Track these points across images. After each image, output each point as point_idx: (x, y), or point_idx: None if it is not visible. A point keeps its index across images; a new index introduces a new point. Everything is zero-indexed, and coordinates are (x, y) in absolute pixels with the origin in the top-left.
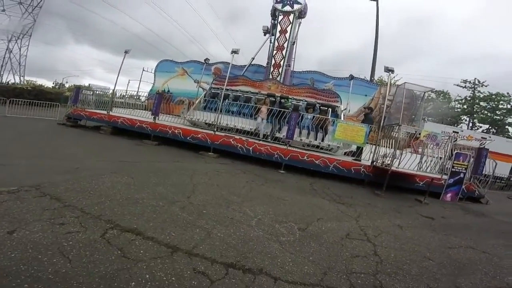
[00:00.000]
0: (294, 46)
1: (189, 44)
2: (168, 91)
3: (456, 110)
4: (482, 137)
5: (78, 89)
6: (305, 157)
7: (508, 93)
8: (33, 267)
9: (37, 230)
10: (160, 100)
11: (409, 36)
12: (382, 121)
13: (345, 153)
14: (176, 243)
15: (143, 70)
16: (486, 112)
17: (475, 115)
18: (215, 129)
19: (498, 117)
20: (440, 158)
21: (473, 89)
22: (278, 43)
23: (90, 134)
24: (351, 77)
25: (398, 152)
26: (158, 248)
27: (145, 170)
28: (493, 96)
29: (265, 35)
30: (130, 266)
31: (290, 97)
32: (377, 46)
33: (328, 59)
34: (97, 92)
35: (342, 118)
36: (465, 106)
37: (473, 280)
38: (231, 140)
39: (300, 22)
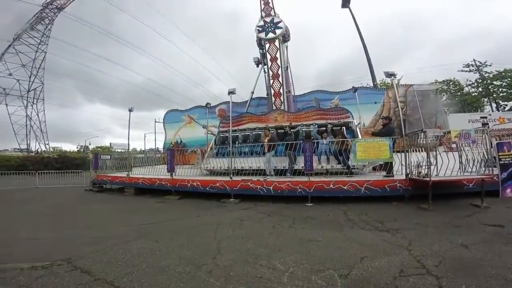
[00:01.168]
0: (289, 70)
1: (193, 89)
2: (181, 141)
3: (473, 94)
4: None
5: (96, 155)
6: (331, 185)
7: None
8: None
9: None
10: (173, 156)
11: (395, 32)
12: (403, 129)
13: (374, 169)
14: None
15: (155, 121)
16: (503, 89)
17: (494, 95)
18: (231, 175)
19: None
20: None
21: (478, 71)
22: (272, 72)
23: (115, 198)
24: (355, 89)
25: (432, 158)
26: None
27: (169, 231)
28: (503, 73)
29: (257, 66)
30: None
31: (296, 124)
32: (367, 52)
33: (326, 72)
34: (115, 156)
35: (358, 133)
36: (480, 89)
37: None
38: (249, 183)
39: (287, 46)
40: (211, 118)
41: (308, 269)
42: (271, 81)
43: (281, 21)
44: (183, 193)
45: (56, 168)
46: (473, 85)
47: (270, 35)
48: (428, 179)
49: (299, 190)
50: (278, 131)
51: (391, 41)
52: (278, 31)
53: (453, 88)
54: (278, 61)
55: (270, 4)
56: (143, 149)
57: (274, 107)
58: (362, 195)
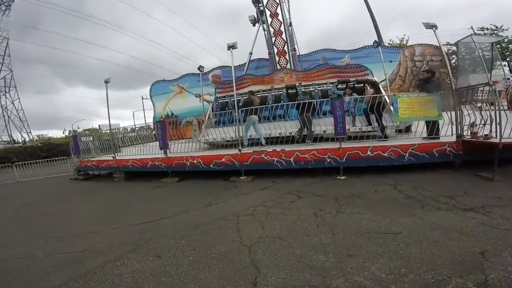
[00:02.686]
0: (292, 27)
1: (180, 63)
2: (172, 114)
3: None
4: None
5: (75, 137)
6: (368, 152)
7: None
8: None
9: None
10: (165, 128)
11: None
12: (454, 84)
13: (399, 131)
14: None
15: (142, 98)
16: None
17: (507, 59)
18: (239, 147)
19: None
20: None
21: (495, 34)
22: (273, 28)
23: (103, 186)
24: (377, 44)
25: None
26: None
27: (174, 234)
28: None
29: (254, 25)
30: None
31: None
32: (372, 13)
33: (325, 35)
34: (101, 137)
35: (383, 92)
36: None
37: None
38: (262, 155)
39: (288, 0)
40: (205, 85)
41: (420, 282)
42: (273, 39)
43: None
44: (182, 174)
45: (42, 157)
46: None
47: None
48: (498, 140)
49: (328, 160)
50: (289, 91)
51: (385, 7)
52: None
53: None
54: (280, 17)
55: None
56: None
57: (279, 67)
58: (406, 163)
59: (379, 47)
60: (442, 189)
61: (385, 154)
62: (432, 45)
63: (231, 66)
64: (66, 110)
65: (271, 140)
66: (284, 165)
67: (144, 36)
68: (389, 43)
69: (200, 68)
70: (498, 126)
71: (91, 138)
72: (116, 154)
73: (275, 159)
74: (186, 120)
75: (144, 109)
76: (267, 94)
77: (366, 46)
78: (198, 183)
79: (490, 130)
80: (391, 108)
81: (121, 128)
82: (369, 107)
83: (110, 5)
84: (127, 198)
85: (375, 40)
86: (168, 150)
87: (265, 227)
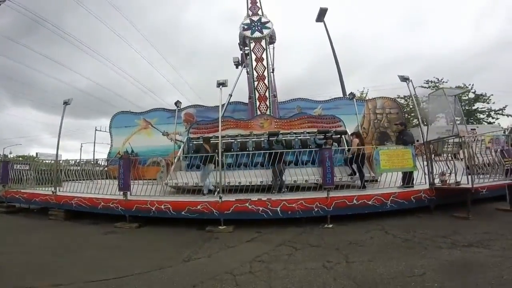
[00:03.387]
0: (273, 74)
1: (144, 97)
2: (132, 151)
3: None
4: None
5: (5, 163)
6: (354, 201)
7: (464, 84)
8: None
9: None
10: (128, 168)
11: (344, 54)
12: (426, 135)
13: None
14: None
15: (96, 130)
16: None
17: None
18: (220, 194)
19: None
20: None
21: (436, 87)
22: (257, 73)
23: (36, 224)
24: (352, 96)
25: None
26: None
27: None
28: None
29: (237, 67)
30: None
31: (286, 132)
32: (338, 65)
33: (293, 84)
34: (39, 167)
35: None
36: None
37: None
38: (246, 204)
39: (274, 47)
40: (176, 124)
41: None
42: (256, 83)
43: (269, 21)
44: (141, 219)
45: None
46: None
47: (257, 34)
48: (470, 186)
49: (316, 209)
50: (270, 138)
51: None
52: (265, 31)
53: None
54: (264, 62)
55: (258, 4)
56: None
57: (259, 112)
58: (388, 209)
59: (354, 100)
60: (432, 231)
61: (370, 202)
62: (391, 98)
63: (206, 106)
64: (3, 130)
65: (241, 188)
66: (270, 215)
67: (111, 61)
68: (351, 94)
69: (177, 103)
70: (469, 175)
71: (27, 167)
72: (57, 188)
73: (261, 208)
74: (152, 160)
75: (95, 143)
76: (247, 140)
77: (336, 98)
78: (165, 232)
79: (458, 177)
80: (374, 160)
81: (72, 161)
82: (354, 157)
83: (79, 19)
84: (70, 242)
85: (351, 92)
86: (128, 192)
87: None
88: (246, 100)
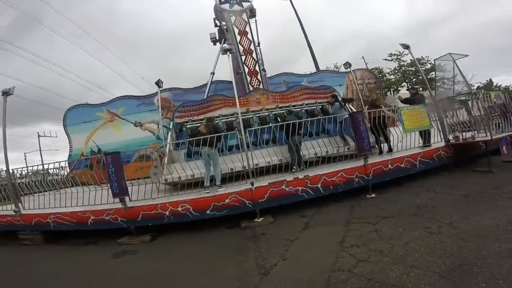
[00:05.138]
0: (260, 48)
1: (89, 93)
2: (99, 150)
3: (392, 80)
4: None
5: None
6: (389, 166)
7: (422, 56)
8: None
9: None
10: (121, 164)
11: (288, 36)
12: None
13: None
14: None
15: (39, 136)
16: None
17: (409, 80)
18: (252, 180)
19: (421, 77)
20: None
21: (398, 60)
22: (242, 47)
23: (11, 255)
24: (349, 65)
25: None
26: None
27: None
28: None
29: (215, 44)
30: None
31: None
32: (308, 39)
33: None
34: None
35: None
36: (399, 75)
37: None
38: (283, 186)
39: (256, 21)
40: (148, 111)
41: None
42: (243, 57)
43: None
44: (152, 228)
45: None
46: (392, 72)
47: (236, 7)
48: (488, 138)
49: (357, 179)
50: (276, 114)
51: (289, 43)
52: (245, 4)
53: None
54: (249, 36)
55: None
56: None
57: (251, 88)
58: (418, 170)
59: (350, 68)
60: (478, 186)
61: (402, 165)
62: (367, 69)
63: (183, 88)
64: None
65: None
66: (311, 194)
67: (40, 56)
68: (328, 67)
69: (158, 82)
70: (487, 126)
71: None
72: (21, 206)
73: (300, 188)
74: (140, 153)
75: (40, 150)
76: (251, 116)
77: (320, 71)
78: (191, 240)
79: (473, 131)
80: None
81: (25, 169)
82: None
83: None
84: (85, 280)
85: (347, 62)
86: (127, 198)
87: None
88: (226, 78)
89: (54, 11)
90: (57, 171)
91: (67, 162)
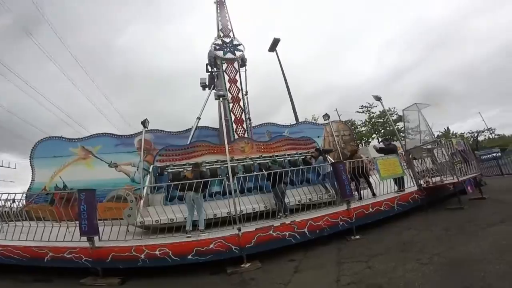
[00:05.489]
0: (247, 97)
1: (61, 126)
2: (65, 186)
3: (363, 132)
4: None
5: None
6: (370, 209)
7: (389, 108)
8: None
9: None
10: (93, 203)
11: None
12: (404, 146)
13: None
14: None
15: None
16: (381, 126)
17: (381, 131)
18: (239, 226)
19: (389, 128)
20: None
21: (368, 111)
22: (231, 94)
23: None
24: (328, 117)
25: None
26: None
27: None
28: (383, 113)
29: (204, 89)
30: None
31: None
32: (290, 92)
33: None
34: None
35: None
36: (369, 126)
37: None
38: (270, 232)
39: (246, 70)
40: (126, 152)
41: None
42: (231, 105)
43: (240, 44)
44: (122, 271)
45: None
46: (363, 124)
47: (229, 55)
48: (456, 180)
49: (341, 223)
50: (260, 163)
51: (271, 95)
52: (238, 53)
53: (351, 127)
54: (238, 84)
55: (229, 26)
56: None
57: (236, 136)
58: (396, 212)
59: (328, 120)
60: (454, 222)
61: (382, 208)
62: (342, 121)
63: (166, 131)
64: None
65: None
66: (298, 238)
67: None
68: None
69: (144, 122)
70: (452, 170)
71: None
72: None
73: (287, 233)
74: (114, 194)
75: None
76: (235, 164)
77: (300, 122)
78: (167, 286)
79: (441, 175)
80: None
81: None
82: (359, 170)
83: None
84: None
85: (326, 113)
86: (97, 237)
87: None
88: (211, 125)
89: (41, 30)
90: (7, 203)
91: (24, 194)
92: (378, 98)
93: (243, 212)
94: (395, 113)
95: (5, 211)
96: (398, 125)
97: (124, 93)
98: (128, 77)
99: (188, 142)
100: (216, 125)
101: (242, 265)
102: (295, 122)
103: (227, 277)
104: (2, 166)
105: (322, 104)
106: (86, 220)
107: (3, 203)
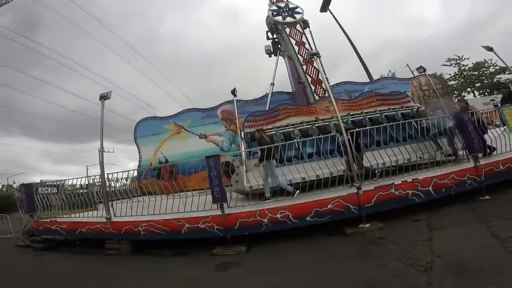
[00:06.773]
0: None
1: (137, 111)
2: (166, 160)
3: (453, 85)
4: None
5: (28, 187)
6: (501, 166)
7: (484, 60)
8: None
9: None
10: (220, 168)
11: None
12: None
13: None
14: None
15: (100, 151)
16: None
17: (475, 85)
18: (358, 184)
19: (487, 81)
20: None
21: (457, 64)
22: (302, 57)
23: (88, 266)
24: (423, 69)
25: None
26: None
27: None
28: (479, 65)
29: (270, 56)
30: None
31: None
32: (356, 50)
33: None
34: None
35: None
36: (461, 80)
37: None
38: (391, 190)
39: (311, 32)
40: (211, 123)
41: None
42: (304, 67)
43: (297, 6)
44: (244, 239)
45: None
46: (452, 77)
47: (289, 19)
48: None
49: (468, 181)
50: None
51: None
52: (297, 16)
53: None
54: (307, 46)
55: None
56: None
57: (316, 97)
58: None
59: (425, 72)
60: None
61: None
62: (433, 75)
63: (244, 100)
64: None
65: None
66: (422, 197)
67: (102, 77)
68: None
69: (234, 91)
70: None
71: (55, 190)
72: (112, 213)
73: (410, 191)
74: (225, 159)
75: (103, 163)
76: (326, 124)
77: (382, 78)
78: (290, 248)
79: None
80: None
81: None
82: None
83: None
84: None
85: (420, 66)
86: (225, 204)
87: None
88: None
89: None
90: (126, 181)
91: (135, 171)
92: (489, 49)
93: (320, 177)
94: (493, 64)
95: (123, 189)
96: (500, 78)
97: (177, 77)
98: (179, 62)
99: (267, 108)
100: (285, 89)
101: (361, 225)
102: (368, 80)
103: (348, 238)
104: (108, 151)
105: (383, 61)
106: (218, 187)
107: (125, 181)
